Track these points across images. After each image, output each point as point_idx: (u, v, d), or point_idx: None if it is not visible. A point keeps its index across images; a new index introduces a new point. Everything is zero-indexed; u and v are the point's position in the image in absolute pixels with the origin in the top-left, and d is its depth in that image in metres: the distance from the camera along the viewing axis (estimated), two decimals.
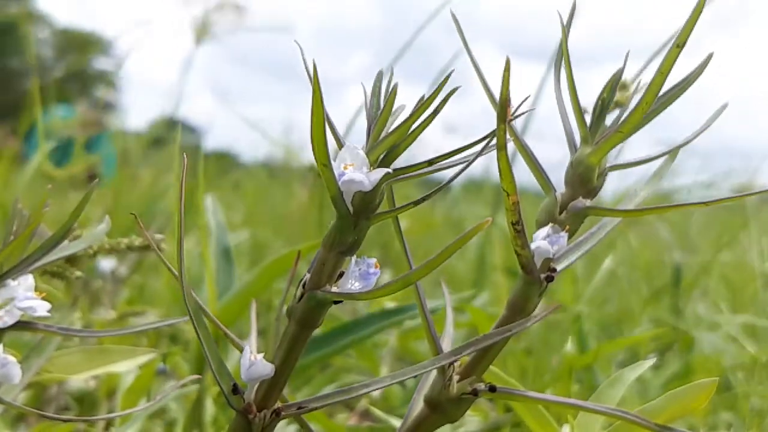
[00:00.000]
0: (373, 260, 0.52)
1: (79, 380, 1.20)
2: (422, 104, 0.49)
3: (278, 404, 0.55)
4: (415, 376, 0.55)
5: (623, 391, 0.70)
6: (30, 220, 0.59)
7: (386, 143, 0.50)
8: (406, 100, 0.51)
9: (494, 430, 1.06)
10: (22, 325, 0.60)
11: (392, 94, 0.51)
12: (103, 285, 1.37)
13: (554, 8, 0.58)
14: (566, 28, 0.58)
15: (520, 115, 0.49)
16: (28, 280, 0.61)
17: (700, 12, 0.51)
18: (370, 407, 0.91)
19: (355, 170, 0.49)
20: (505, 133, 0.49)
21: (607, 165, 0.58)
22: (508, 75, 0.48)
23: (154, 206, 1.95)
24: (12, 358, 0.62)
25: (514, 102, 0.52)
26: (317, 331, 1.08)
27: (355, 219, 0.51)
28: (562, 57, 0.58)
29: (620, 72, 0.57)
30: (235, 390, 0.54)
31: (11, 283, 0.59)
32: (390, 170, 0.49)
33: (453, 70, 0.48)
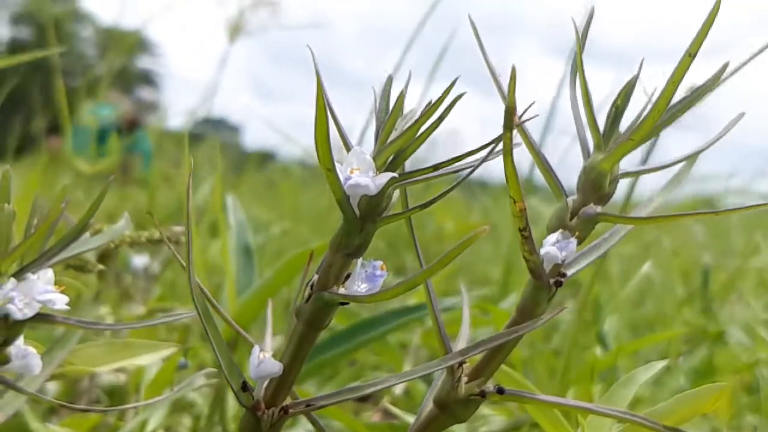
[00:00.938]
0: (379, 262, 0.53)
1: (110, 374, 1.22)
2: (429, 109, 0.50)
3: (287, 401, 0.56)
4: (422, 376, 0.56)
5: (635, 392, 0.71)
6: (49, 214, 0.60)
7: (393, 147, 0.51)
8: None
9: (514, 430, 1.07)
10: (41, 317, 0.61)
11: (400, 99, 0.51)
12: (136, 281, 1.39)
13: (598, 8, 0.58)
14: (582, 36, 0.59)
15: (526, 120, 0.49)
16: (47, 273, 0.62)
17: (713, 21, 0.51)
18: (386, 404, 0.92)
19: (361, 174, 0.49)
20: (511, 139, 0.49)
21: (620, 172, 0.58)
22: (514, 84, 0.48)
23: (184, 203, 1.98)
24: (32, 350, 0.63)
25: (527, 105, 0.52)
26: (338, 328, 1.10)
27: (361, 222, 0.51)
28: (576, 62, 0.58)
29: (635, 79, 0.57)
30: (245, 387, 0.55)
31: (31, 276, 0.60)
32: (396, 175, 0.50)
33: (459, 76, 0.49)
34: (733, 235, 3.05)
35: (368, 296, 0.52)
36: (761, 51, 0.84)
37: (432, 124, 0.50)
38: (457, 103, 0.50)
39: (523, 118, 0.48)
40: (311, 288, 0.54)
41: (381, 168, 0.51)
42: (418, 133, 0.51)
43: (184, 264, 0.52)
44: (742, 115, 0.59)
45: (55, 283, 0.63)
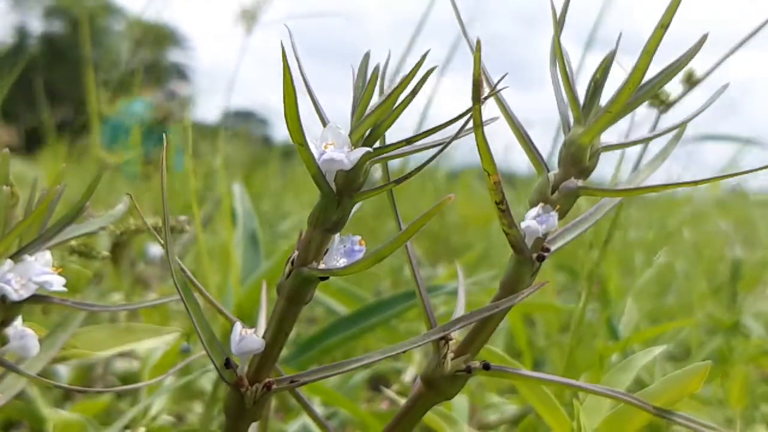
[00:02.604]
0: (358, 237, 0.53)
1: (124, 361, 1.24)
2: (402, 83, 0.50)
3: (270, 378, 0.56)
4: (404, 352, 0.56)
5: (633, 376, 0.71)
6: (46, 196, 0.62)
7: (368, 122, 0.51)
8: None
9: (524, 417, 1.07)
10: (38, 298, 0.62)
11: (374, 76, 0.52)
12: (151, 269, 1.41)
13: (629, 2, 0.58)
14: (563, 9, 0.59)
15: (492, 94, 0.50)
16: (45, 255, 0.63)
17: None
18: (385, 390, 0.92)
19: (335, 149, 0.50)
20: (480, 111, 0.50)
21: (600, 145, 0.58)
22: (479, 56, 0.49)
23: (207, 193, 1.99)
24: (30, 331, 0.64)
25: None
26: (343, 312, 1.11)
27: (338, 198, 0.52)
28: (554, 38, 0.58)
29: (612, 54, 0.57)
30: (228, 364, 0.55)
31: (28, 258, 0.62)
32: (370, 149, 0.50)
33: (429, 50, 0.49)
34: (761, 227, 3.02)
35: (344, 269, 0.52)
36: (754, 33, 0.83)
37: (406, 97, 0.51)
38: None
39: (488, 91, 0.49)
40: (292, 264, 0.54)
41: (357, 143, 0.52)
42: (394, 107, 0.51)
43: (163, 243, 0.53)
44: (726, 86, 0.59)
45: (58, 267, 0.64)
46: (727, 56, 0.79)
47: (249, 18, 2.23)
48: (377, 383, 1.25)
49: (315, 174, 0.50)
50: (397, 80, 0.50)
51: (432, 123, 0.51)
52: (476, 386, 1.20)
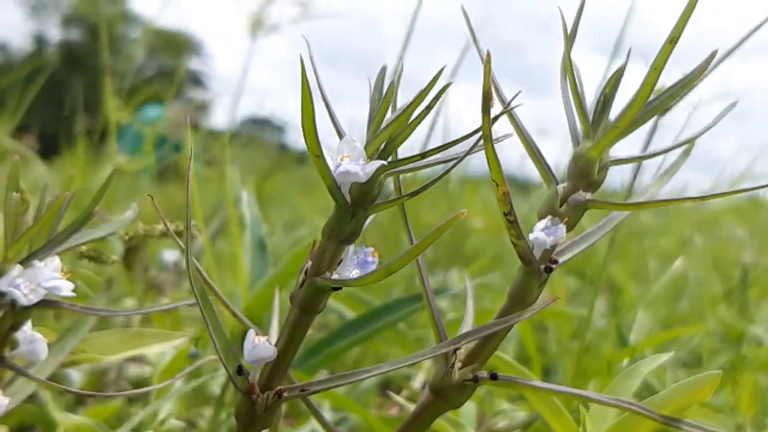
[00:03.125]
0: (371, 249, 0.54)
1: (136, 366, 1.25)
2: (417, 97, 0.51)
3: (282, 386, 0.57)
4: (413, 364, 0.56)
5: (638, 382, 0.71)
6: (55, 203, 0.62)
7: (384, 136, 0.52)
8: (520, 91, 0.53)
9: (533, 423, 1.07)
10: (46, 303, 0.63)
11: (390, 90, 0.52)
12: (165, 275, 1.41)
13: (651, 10, 0.58)
14: (575, 24, 0.59)
15: (506, 111, 0.50)
16: (54, 261, 0.64)
17: (693, 9, 0.51)
18: (392, 395, 0.92)
19: (350, 162, 0.51)
20: (489, 124, 0.50)
21: (609, 159, 0.59)
22: (489, 68, 0.49)
23: (222, 200, 2.01)
24: (39, 335, 0.65)
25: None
26: (350, 316, 1.11)
27: (353, 209, 0.52)
28: (564, 54, 0.59)
29: (623, 68, 0.58)
30: (240, 371, 0.56)
31: (37, 263, 0.62)
32: (385, 163, 0.51)
33: (445, 66, 0.49)
34: None
35: (357, 279, 0.53)
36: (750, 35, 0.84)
37: (421, 112, 0.51)
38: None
39: (497, 102, 0.49)
40: (305, 274, 0.55)
41: (373, 156, 0.52)
42: (409, 121, 0.52)
43: (183, 248, 0.53)
44: (734, 103, 0.60)
45: (67, 273, 0.65)
46: (722, 59, 0.79)
47: (255, 23, 2.24)
48: (387, 388, 1.26)
49: (330, 186, 0.51)
50: (414, 89, 0.51)
51: (442, 130, 0.51)
52: (485, 393, 1.21)
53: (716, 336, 1.63)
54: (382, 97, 0.53)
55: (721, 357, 1.48)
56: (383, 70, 0.55)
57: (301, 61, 0.47)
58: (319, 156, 0.50)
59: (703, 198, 0.55)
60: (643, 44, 0.59)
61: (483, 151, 0.53)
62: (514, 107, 0.52)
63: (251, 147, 3.97)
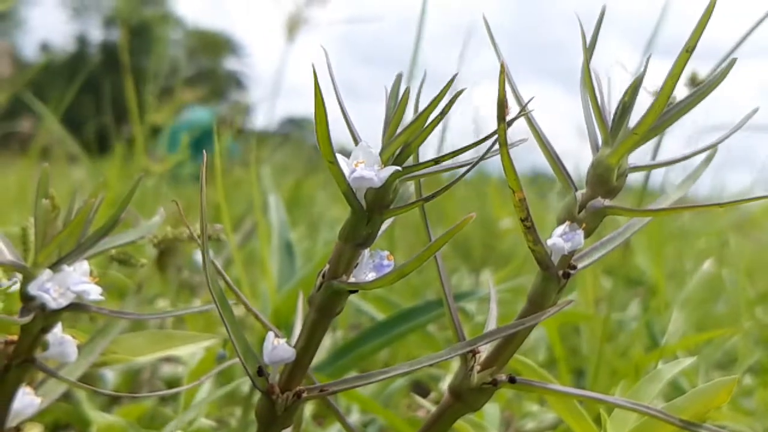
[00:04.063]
0: (386, 253, 0.55)
1: (170, 366, 1.27)
2: (430, 105, 0.52)
3: (301, 386, 0.58)
4: (431, 365, 0.57)
5: (660, 387, 0.71)
6: (84, 208, 0.64)
7: (398, 141, 0.53)
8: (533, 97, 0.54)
9: (559, 425, 1.07)
10: (76, 307, 0.65)
11: (405, 96, 0.53)
12: (198, 276, 1.43)
13: (690, 6, 0.58)
14: (594, 35, 0.60)
15: (518, 116, 0.51)
16: (83, 265, 0.66)
17: (708, 18, 0.51)
18: (416, 398, 0.93)
19: (365, 167, 0.51)
20: (505, 131, 0.51)
21: (628, 166, 0.59)
22: (504, 78, 0.50)
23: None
24: (69, 338, 0.67)
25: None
26: (379, 318, 1.12)
27: (368, 214, 0.53)
28: (584, 62, 0.59)
29: (642, 76, 0.58)
30: (260, 372, 0.57)
31: (66, 268, 0.64)
32: (399, 168, 0.52)
33: (457, 73, 0.50)
34: None
35: (372, 283, 0.54)
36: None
37: (435, 118, 0.52)
38: (544, 102, 0.51)
39: (514, 112, 0.50)
40: (323, 277, 0.56)
41: (388, 162, 0.53)
42: (424, 126, 0.52)
43: (197, 249, 0.55)
44: (756, 110, 0.60)
45: (96, 277, 0.67)
46: (727, 58, 0.78)
47: (292, 26, 2.26)
48: (417, 389, 1.27)
49: (345, 191, 0.52)
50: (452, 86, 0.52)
51: (474, 130, 0.52)
52: (514, 395, 1.21)
53: (752, 338, 1.61)
54: (397, 103, 0.54)
55: (756, 359, 1.47)
56: (399, 77, 0.56)
57: (314, 73, 0.48)
58: (333, 162, 0.51)
59: (720, 205, 0.55)
60: (679, 41, 0.58)
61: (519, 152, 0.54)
62: (528, 112, 0.53)
63: (287, 147, 3.99)
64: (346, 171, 0.52)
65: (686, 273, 2.05)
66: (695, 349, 1.38)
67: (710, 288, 2.00)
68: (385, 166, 0.52)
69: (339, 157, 0.51)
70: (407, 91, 0.54)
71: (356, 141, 0.54)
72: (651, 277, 1.92)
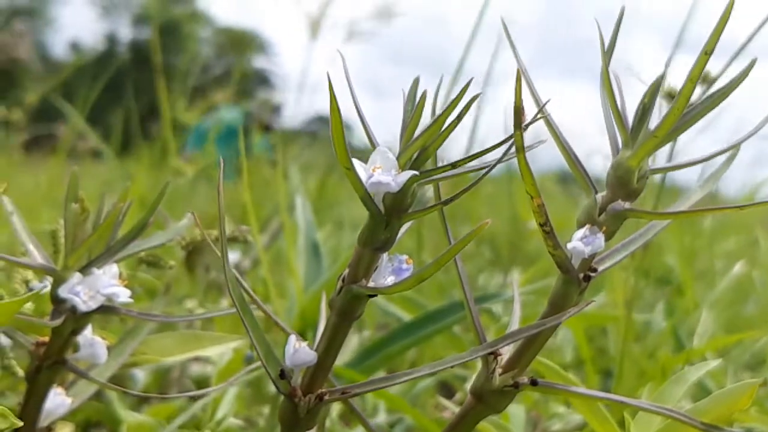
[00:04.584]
0: (405, 257, 0.56)
1: (198, 365, 1.28)
2: (446, 109, 0.52)
3: (323, 389, 0.59)
4: (452, 367, 0.58)
5: (684, 389, 0.71)
6: (112, 212, 0.65)
7: (415, 146, 0.53)
8: (562, 95, 0.54)
9: (586, 426, 1.07)
10: (105, 309, 0.66)
11: (422, 101, 0.54)
12: (223, 276, 1.44)
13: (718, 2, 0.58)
14: (611, 44, 0.60)
15: (534, 121, 0.51)
16: (112, 268, 0.67)
17: (726, 21, 0.51)
18: (439, 399, 0.94)
19: (382, 172, 0.52)
20: (522, 137, 0.51)
21: (648, 168, 0.59)
22: (520, 85, 0.50)
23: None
24: (99, 339, 0.68)
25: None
26: (405, 319, 1.13)
27: (386, 218, 0.54)
28: (603, 66, 0.59)
29: (661, 78, 0.58)
30: (283, 375, 0.58)
31: (96, 271, 0.65)
32: (416, 173, 0.52)
33: (473, 78, 0.51)
34: None
35: (391, 287, 0.54)
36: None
37: (452, 122, 0.52)
38: (573, 100, 0.52)
39: (530, 117, 0.50)
40: (343, 281, 0.57)
41: (405, 166, 0.54)
42: (441, 130, 0.53)
43: (219, 255, 0.56)
44: None
45: (125, 279, 0.68)
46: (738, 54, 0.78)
47: (314, 26, 2.28)
48: (445, 389, 1.27)
49: (363, 196, 0.52)
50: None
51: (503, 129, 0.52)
52: (540, 396, 1.21)
53: None
54: (414, 107, 0.54)
55: None
56: (416, 81, 0.57)
57: (329, 81, 0.48)
58: (350, 168, 0.52)
59: (740, 207, 0.55)
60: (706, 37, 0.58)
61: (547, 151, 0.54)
62: (535, 120, 0.53)
63: (316, 145, 4.00)
64: (363, 176, 0.52)
65: (715, 272, 2.04)
66: (724, 351, 1.37)
67: (740, 288, 1.98)
68: (402, 170, 0.53)
69: (356, 162, 0.52)
70: (424, 95, 0.54)
71: (373, 145, 0.55)
72: (679, 276, 1.91)
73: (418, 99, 0.54)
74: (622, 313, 1.43)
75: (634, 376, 1.26)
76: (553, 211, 0.58)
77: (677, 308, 1.71)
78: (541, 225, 0.55)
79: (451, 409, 1.00)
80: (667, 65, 0.58)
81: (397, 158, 0.53)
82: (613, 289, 1.70)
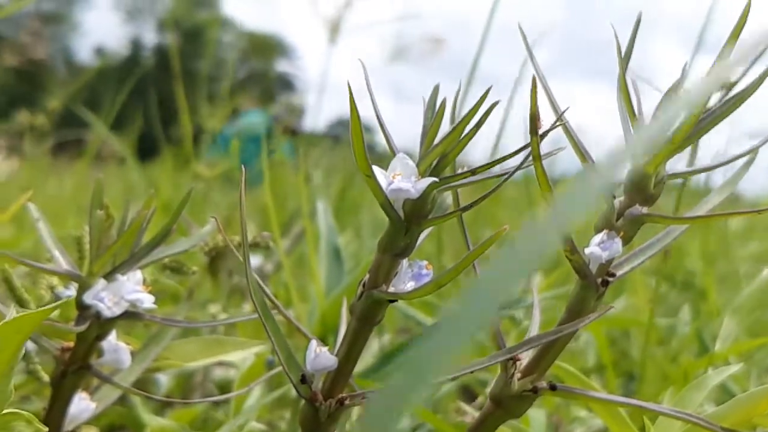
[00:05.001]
0: (425, 262, 0.56)
1: (221, 369, 1.30)
2: (467, 116, 0.53)
3: (344, 393, 0.59)
4: (472, 372, 0.58)
5: (705, 394, 0.71)
6: (136, 219, 0.66)
7: (435, 152, 0.54)
8: (582, 97, 0.55)
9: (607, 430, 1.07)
10: (129, 315, 0.67)
11: (441, 108, 0.54)
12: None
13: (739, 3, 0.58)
14: (628, 51, 0.60)
15: (552, 128, 0.52)
16: (136, 275, 0.68)
17: (740, 31, 0.51)
18: (460, 404, 0.94)
19: (402, 179, 0.53)
20: (538, 144, 0.52)
21: (666, 173, 0.59)
22: (536, 92, 0.51)
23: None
24: (123, 345, 0.69)
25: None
26: (426, 323, 1.13)
27: (406, 225, 0.54)
28: (625, 63, 0.60)
29: (678, 83, 0.58)
30: (304, 380, 0.59)
31: (120, 277, 0.66)
32: (436, 179, 0.53)
33: (491, 87, 0.51)
34: None
35: (411, 293, 0.55)
36: None
37: (471, 129, 0.53)
38: (599, 101, 0.52)
39: (546, 125, 0.51)
40: (363, 286, 0.57)
41: (425, 173, 0.54)
42: (461, 138, 0.53)
43: (241, 260, 0.56)
44: None
45: (149, 285, 0.69)
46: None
47: (333, 29, 2.29)
48: (467, 393, 1.27)
49: (383, 202, 0.53)
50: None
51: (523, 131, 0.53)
52: (562, 400, 1.21)
53: None
54: (434, 114, 0.55)
55: None
56: (436, 88, 0.57)
57: (349, 88, 0.49)
58: (370, 175, 0.52)
59: (759, 211, 0.55)
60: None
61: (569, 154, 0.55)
62: (553, 127, 0.53)
63: (338, 148, 4.02)
64: (383, 183, 0.53)
65: (738, 275, 2.03)
66: (747, 355, 1.36)
67: (764, 292, 1.97)
68: (422, 177, 0.54)
69: (376, 169, 0.53)
70: (444, 103, 0.55)
71: (393, 152, 0.55)
72: (701, 280, 1.90)
73: (438, 106, 0.55)
74: (645, 317, 1.43)
75: (657, 379, 1.25)
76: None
77: (700, 312, 1.71)
78: None
79: (472, 413, 1.00)
80: (684, 69, 0.58)
81: (417, 165, 0.54)
82: (636, 293, 1.70)
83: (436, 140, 0.54)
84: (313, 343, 0.58)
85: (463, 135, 0.53)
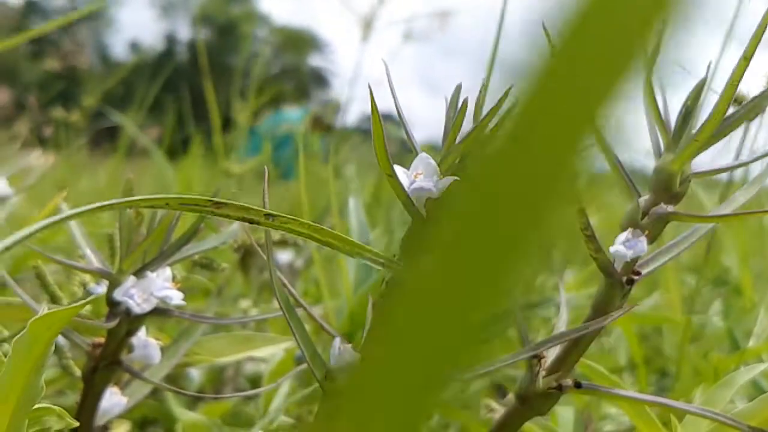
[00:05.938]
0: None
1: (253, 364, 1.31)
2: (488, 114, 0.53)
3: None
4: (493, 370, 0.58)
5: (732, 393, 0.71)
6: (167, 216, 0.67)
7: (456, 152, 0.54)
8: None
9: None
10: (159, 311, 0.68)
11: (464, 106, 0.54)
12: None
13: None
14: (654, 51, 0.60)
15: None
16: (166, 271, 0.69)
17: (764, 29, 0.51)
18: (488, 401, 0.94)
19: (424, 178, 0.53)
20: None
21: (691, 171, 0.59)
22: None
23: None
24: (153, 341, 0.70)
25: None
26: None
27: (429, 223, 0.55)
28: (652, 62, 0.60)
29: (703, 81, 0.58)
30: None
31: (150, 274, 0.67)
32: (457, 178, 0.53)
33: (512, 86, 0.51)
34: None
35: None
36: None
37: (493, 127, 0.53)
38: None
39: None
40: (386, 284, 0.58)
41: (447, 172, 0.54)
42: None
43: (265, 258, 0.57)
44: None
45: (178, 282, 0.70)
46: None
47: (366, 26, 2.29)
48: (499, 390, 1.27)
49: (404, 202, 0.53)
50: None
51: None
52: (592, 397, 1.21)
53: None
54: (456, 112, 0.55)
55: None
56: (458, 87, 0.57)
57: (370, 90, 0.49)
58: (392, 175, 0.52)
59: None
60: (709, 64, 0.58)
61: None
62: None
63: (370, 144, 4.02)
64: (405, 182, 0.53)
65: None
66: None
67: None
68: (444, 176, 0.54)
69: (398, 168, 0.53)
70: (466, 102, 0.55)
71: (415, 152, 0.56)
72: (736, 276, 1.89)
73: (459, 105, 0.55)
74: (677, 314, 1.42)
75: (690, 376, 1.25)
76: (608, 211, 0.58)
77: (734, 308, 1.69)
78: (582, 230, 0.56)
79: (501, 410, 1.00)
80: (709, 67, 0.58)
81: (439, 164, 0.54)
82: (669, 290, 1.68)
83: (458, 139, 0.55)
84: (337, 340, 0.58)
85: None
